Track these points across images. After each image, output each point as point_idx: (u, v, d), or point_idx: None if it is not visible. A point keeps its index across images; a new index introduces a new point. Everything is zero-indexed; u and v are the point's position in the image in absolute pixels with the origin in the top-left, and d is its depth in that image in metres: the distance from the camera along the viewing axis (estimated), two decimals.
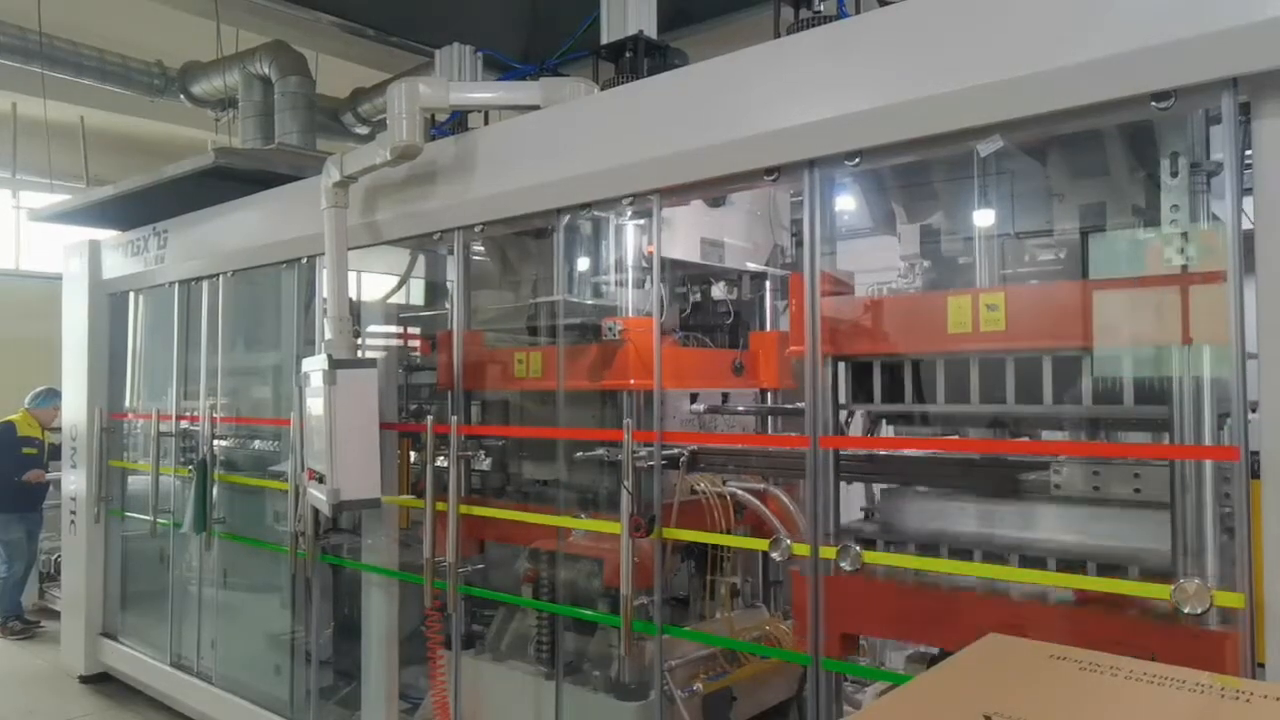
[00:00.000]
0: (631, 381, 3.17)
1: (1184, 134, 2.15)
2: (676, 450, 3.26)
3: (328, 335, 3.53)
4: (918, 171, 2.82)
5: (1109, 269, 2.40)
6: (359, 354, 3.83)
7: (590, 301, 3.54)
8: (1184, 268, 2.09)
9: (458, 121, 3.97)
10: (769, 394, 4.04)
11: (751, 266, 4.12)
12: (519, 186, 3.15)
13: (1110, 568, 2.25)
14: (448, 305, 3.85)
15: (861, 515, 3.03)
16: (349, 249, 3.61)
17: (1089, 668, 1.66)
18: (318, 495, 3.43)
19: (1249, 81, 1.87)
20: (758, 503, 3.32)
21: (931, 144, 2.29)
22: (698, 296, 4.16)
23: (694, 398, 3.82)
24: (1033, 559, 2.37)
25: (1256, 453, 1.91)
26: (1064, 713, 1.42)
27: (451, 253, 3.60)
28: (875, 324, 2.63)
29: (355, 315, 4.13)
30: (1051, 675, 1.63)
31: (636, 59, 3.33)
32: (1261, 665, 1.88)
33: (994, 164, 2.61)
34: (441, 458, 3.44)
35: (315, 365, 3.46)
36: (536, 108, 3.17)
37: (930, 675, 1.66)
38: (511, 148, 3.24)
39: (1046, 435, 2.77)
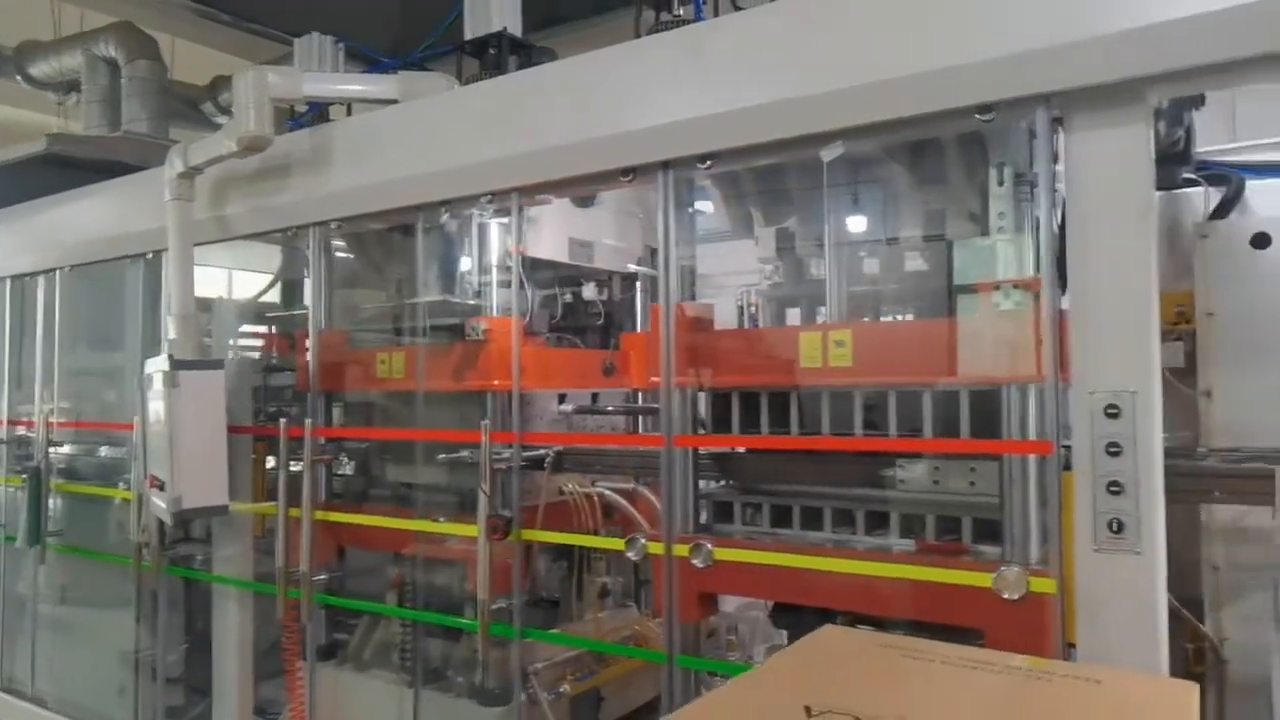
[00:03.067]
0: (495, 383, 3.13)
1: (1009, 145, 2.28)
2: (543, 451, 3.24)
3: (171, 335, 3.34)
4: (774, 175, 2.88)
5: (970, 275, 2.48)
6: (208, 354, 3.65)
7: (456, 299, 3.48)
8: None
9: (319, 114, 3.84)
10: (640, 394, 4.06)
11: (631, 268, 4.14)
12: (376, 182, 3.06)
13: (951, 519, 2.39)
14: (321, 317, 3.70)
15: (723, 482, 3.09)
16: (196, 244, 3.44)
17: (911, 654, 1.73)
18: (158, 503, 3.25)
19: (1061, 98, 1.99)
20: (625, 503, 3.34)
21: (779, 149, 2.36)
22: (568, 298, 4.16)
23: (562, 398, 3.81)
24: (879, 514, 2.50)
25: (1069, 446, 2.04)
26: (879, 699, 1.47)
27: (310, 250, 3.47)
28: (729, 356, 2.67)
29: (219, 314, 3.96)
30: (875, 664, 1.70)
31: (500, 56, 3.29)
32: (1072, 645, 2.00)
33: (845, 169, 2.70)
34: (299, 462, 3.31)
35: (157, 366, 3.27)
36: (395, 102, 3.09)
37: (761, 668, 1.70)
38: (369, 142, 3.15)
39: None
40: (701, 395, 2.73)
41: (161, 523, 3.65)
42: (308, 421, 3.26)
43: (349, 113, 3.76)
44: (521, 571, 3.05)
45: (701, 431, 2.71)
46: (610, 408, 3.81)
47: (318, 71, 3.54)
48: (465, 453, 3.22)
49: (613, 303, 4.18)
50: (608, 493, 3.28)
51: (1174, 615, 3.15)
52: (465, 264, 3.50)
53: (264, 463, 3.74)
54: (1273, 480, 2.18)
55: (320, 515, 3.33)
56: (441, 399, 3.32)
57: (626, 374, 3.83)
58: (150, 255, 3.99)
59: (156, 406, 3.30)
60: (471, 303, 3.44)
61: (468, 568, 3.15)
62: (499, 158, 2.74)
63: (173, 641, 4.13)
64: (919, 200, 2.75)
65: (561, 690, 3.25)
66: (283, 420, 3.31)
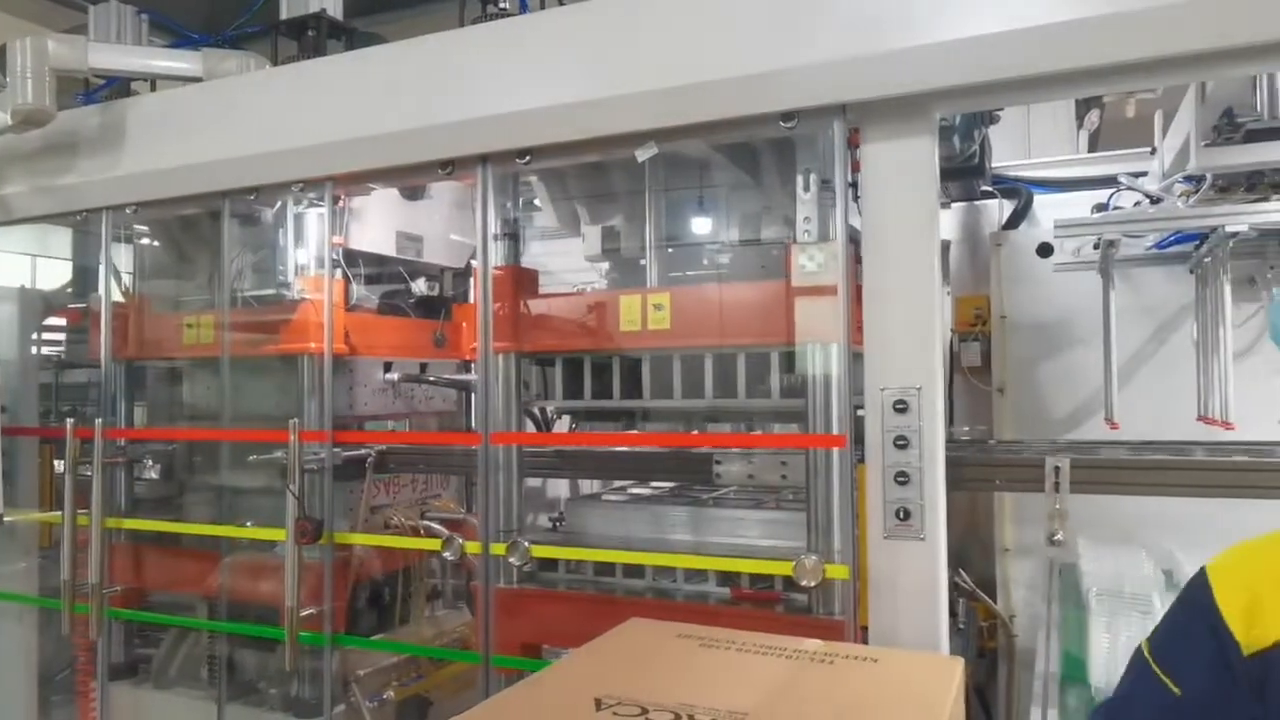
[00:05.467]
0: (311, 346, 2.97)
1: (815, 153, 2.37)
2: (363, 451, 3.14)
3: None
4: (598, 173, 2.90)
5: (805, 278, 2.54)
6: None
7: (271, 292, 3.29)
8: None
9: (118, 90, 3.55)
10: (472, 365, 3.95)
11: (475, 264, 4.02)
12: (177, 165, 2.86)
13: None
14: (124, 294, 3.43)
15: (550, 524, 3.08)
16: None
17: (708, 643, 1.78)
18: None
19: (855, 109, 2.09)
20: (448, 533, 3.23)
21: (595, 146, 2.36)
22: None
23: (389, 367, 3.67)
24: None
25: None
26: (669, 688, 1.50)
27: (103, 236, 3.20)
28: (554, 321, 2.67)
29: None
30: (672, 653, 1.73)
31: (319, 39, 3.14)
32: (865, 628, 2.11)
33: (668, 170, 2.74)
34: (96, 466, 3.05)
35: None
36: (199, 80, 2.90)
37: (561, 663, 1.70)
38: (169, 121, 2.94)
39: (713, 427, 2.95)
40: (527, 364, 2.71)
41: None
42: (98, 421, 3.01)
43: (153, 90, 3.49)
44: (339, 576, 2.93)
45: (526, 396, 2.69)
46: (433, 378, 3.70)
47: (113, 43, 3.26)
48: (280, 454, 3.07)
49: (444, 299, 4.08)
50: (434, 525, 3.18)
51: (971, 596, 3.40)
52: (282, 255, 3.32)
53: (51, 466, 3.44)
54: (1044, 469, 2.38)
55: (114, 523, 3.09)
56: (257, 395, 3.14)
57: (458, 345, 3.74)
58: None
59: None
60: (289, 297, 3.27)
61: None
62: (310, 144, 2.62)
63: None
64: (738, 203, 2.83)
65: (385, 696, 3.15)
66: (69, 420, 3.04)
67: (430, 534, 3.12)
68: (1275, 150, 2.38)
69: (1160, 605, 2.06)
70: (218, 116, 2.83)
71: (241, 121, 2.79)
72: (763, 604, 2.38)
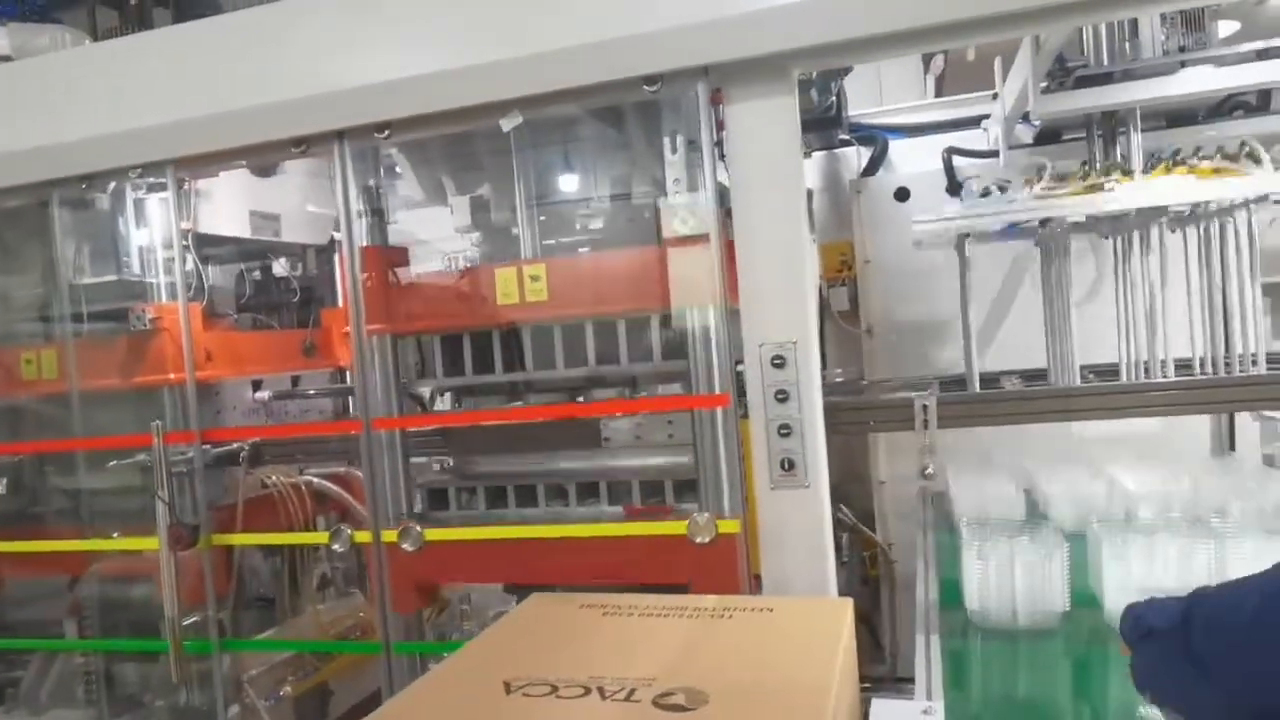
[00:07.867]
0: (171, 376, 2.82)
1: (681, 115, 2.37)
2: (236, 446, 3.00)
3: None
4: (462, 143, 2.81)
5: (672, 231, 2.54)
6: None
7: (111, 278, 3.06)
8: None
9: None
10: (347, 373, 3.87)
11: (337, 236, 3.86)
12: None
13: (655, 484, 2.51)
14: None
15: (437, 466, 3.04)
16: None
17: (611, 611, 1.81)
18: None
19: (718, 70, 2.11)
20: (335, 488, 3.19)
21: (457, 118, 2.29)
22: (257, 275, 3.85)
23: (258, 385, 3.55)
24: (591, 485, 2.57)
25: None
26: (576, 662, 1.52)
27: None
28: (429, 300, 2.60)
29: None
30: (576, 625, 1.75)
31: (143, 8, 2.90)
32: (758, 576, 2.19)
33: (535, 137, 2.69)
34: None
35: None
36: (7, 58, 2.63)
37: (465, 648, 1.69)
38: None
39: (599, 394, 2.96)
40: (404, 345, 2.65)
41: None
42: None
43: None
44: (223, 577, 2.82)
45: (405, 380, 2.63)
46: (312, 390, 3.60)
47: None
48: (142, 456, 2.90)
49: (309, 277, 3.92)
50: (316, 480, 3.11)
51: (853, 529, 3.58)
52: (125, 243, 3.09)
53: None
54: (913, 408, 2.52)
55: None
56: (109, 398, 2.94)
57: (329, 352, 3.63)
58: None
59: None
60: (137, 280, 3.05)
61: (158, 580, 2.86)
62: (146, 125, 2.43)
63: None
64: (607, 165, 2.82)
65: (282, 693, 3.07)
66: None
67: (312, 490, 3.05)
68: (1102, 95, 2.56)
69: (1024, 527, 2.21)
70: (37, 98, 2.57)
71: (66, 103, 2.55)
72: (654, 517, 2.41)
